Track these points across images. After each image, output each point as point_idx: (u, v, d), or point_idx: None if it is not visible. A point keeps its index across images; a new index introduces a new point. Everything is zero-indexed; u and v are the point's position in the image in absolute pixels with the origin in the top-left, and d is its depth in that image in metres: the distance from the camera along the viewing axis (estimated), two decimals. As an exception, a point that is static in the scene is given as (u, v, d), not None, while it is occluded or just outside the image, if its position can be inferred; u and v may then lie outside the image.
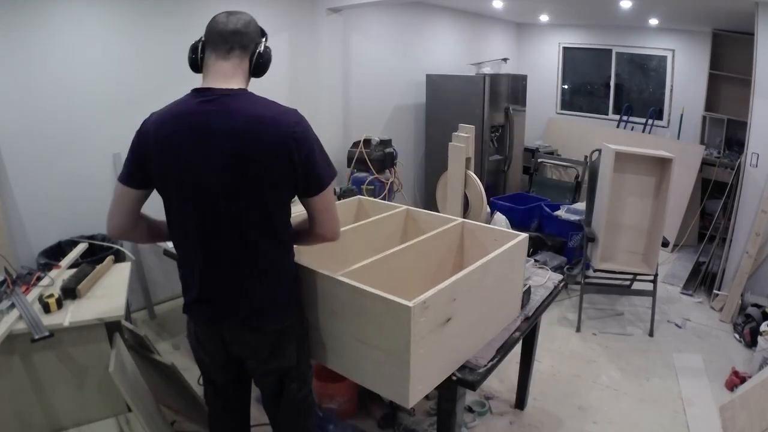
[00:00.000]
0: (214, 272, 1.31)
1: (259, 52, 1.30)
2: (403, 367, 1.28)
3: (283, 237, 1.33)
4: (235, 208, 1.24)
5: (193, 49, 1.30)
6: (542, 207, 4.25)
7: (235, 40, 1.26)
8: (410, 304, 1.22)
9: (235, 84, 1.26)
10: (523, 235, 1.79)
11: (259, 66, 1.31)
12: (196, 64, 1.30)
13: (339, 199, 2.88)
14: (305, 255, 1.60)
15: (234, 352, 1.40)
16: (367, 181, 3.94)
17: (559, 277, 2.27)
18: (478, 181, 2.24)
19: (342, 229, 1.88)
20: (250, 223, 1.26)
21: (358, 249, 1.89)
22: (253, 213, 1.25)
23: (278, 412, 1.50)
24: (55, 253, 2.75)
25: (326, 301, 1.46)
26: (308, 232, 1.37)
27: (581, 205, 3.98)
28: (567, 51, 6.31)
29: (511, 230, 1.94)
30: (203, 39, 1.28)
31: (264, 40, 1.34)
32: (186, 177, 1.24)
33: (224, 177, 1.21)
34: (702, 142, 5.02)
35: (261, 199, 1.24)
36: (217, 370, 1.50)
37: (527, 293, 1.92)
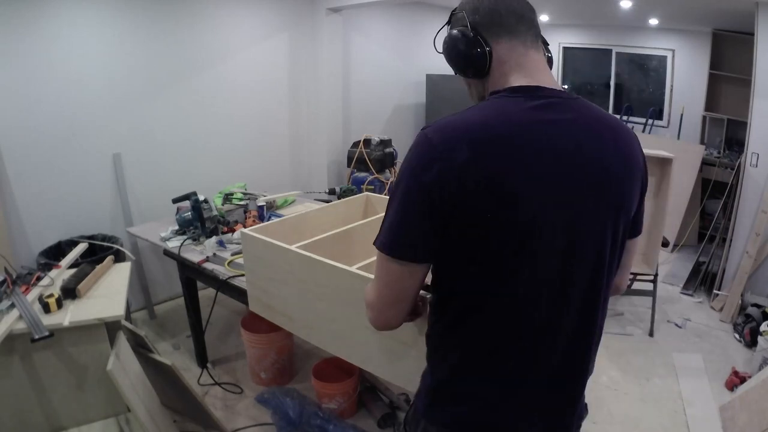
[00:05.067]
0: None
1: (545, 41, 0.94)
2: (418, 356, 1.30)
3: None
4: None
5: (472, 42, 0.86)
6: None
7: (535, 21, 0.89)
8: (427, 294, 1.23)
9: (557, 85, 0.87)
10: None
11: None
12: (485, 61, 0.86)
13: (339, 198, 2.88)
14: (317, 249, 1.62)
15: None
16: (367, 181, 3.94)
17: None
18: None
19: (351, 225, 1.90)
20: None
21: (370, 244, 1.90)
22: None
23: None
24: (55, 253, 2.75)
25: (341, 293, 1.48)
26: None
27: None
28: (567, 51, 6.31)
29: None
30: (471, 21, 0.87)
31: None
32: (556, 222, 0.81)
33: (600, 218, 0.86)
34: (702, 142, 5.01)
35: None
36: None
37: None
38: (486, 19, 0.86)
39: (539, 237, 0.80)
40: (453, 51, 0.89)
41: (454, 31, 0.89)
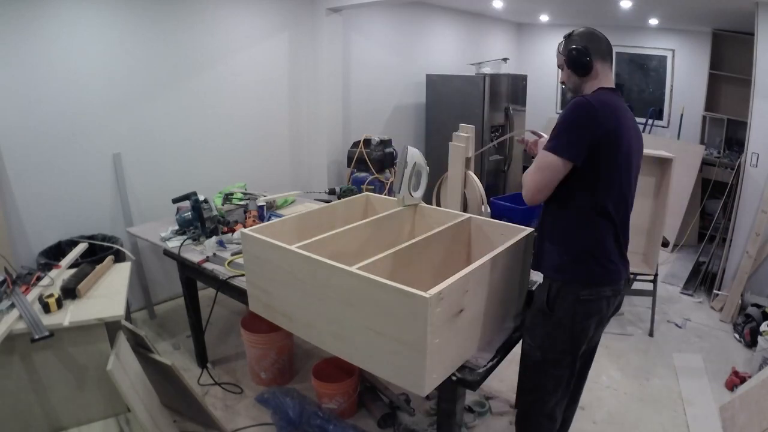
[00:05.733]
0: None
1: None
2: (419, 356, 1.31)
3: None
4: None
5: (585, 53, 1.57)
6: (542, 207, 4.24)
7: (613, 56, 1.64)
8: (427, 294, 1.24)
9: None
10: (529, 230, 1.81)
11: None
12: (589, 68, 1.58)
13: (338, 198, 2.88)
14: (317, 249, 1.62)
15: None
16: (367, 181, 3.94)
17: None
18: (478, 181, 2.26)
19: (351, 225, 1.91)
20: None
21: (369, 244, 1.92)
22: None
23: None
24: (55, 253, 2.75)
25: (341, 293, 1.48)
26: None
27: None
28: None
29: (513, 224, 1.96)
30: (586, 46, 1.57)
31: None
32: (629, 157, 1.57)
33: (639, 158, 1.65)
34: (702, 142, 5.02)
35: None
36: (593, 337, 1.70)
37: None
38: (595, 47, 1.58)
39: (630, 165, 1.57)
40: (576, 59, 1.58)
41: (578, 47, 1.57)
